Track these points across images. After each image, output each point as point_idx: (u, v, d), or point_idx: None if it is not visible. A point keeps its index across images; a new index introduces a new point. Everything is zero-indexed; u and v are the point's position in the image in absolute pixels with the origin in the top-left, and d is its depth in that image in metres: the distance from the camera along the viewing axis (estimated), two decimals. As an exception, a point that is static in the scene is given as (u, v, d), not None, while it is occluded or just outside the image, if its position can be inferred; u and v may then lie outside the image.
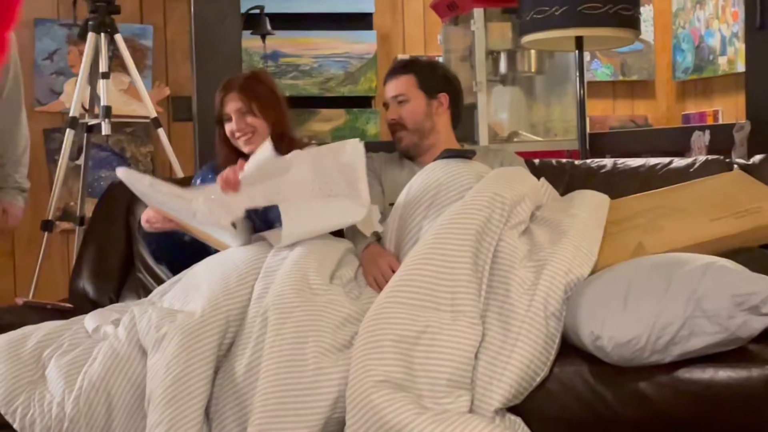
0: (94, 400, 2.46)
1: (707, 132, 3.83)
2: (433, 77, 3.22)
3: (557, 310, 2.42)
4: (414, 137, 3.18)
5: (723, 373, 2.28)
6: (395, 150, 3.29)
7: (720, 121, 5.55)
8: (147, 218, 2.92)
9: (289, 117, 3.12)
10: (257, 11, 5.12)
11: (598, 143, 4.43)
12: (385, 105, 3.26)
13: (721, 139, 3.75)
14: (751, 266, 2.41)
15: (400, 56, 5.72)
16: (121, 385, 2.49)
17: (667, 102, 6.18)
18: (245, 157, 2.93)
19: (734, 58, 5.44)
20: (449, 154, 2.93)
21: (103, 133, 4.05)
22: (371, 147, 3.44)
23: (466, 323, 2.40)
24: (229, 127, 3.04)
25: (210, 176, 3.12)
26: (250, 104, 3.01)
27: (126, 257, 3.41)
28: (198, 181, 3.17)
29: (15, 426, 2.47)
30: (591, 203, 2.83)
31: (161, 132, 4.18)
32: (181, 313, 2.55)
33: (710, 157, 3.32)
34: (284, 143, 2.97)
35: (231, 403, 2.40)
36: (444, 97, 3.21)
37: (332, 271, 2.64)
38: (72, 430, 2.44)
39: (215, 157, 3.26)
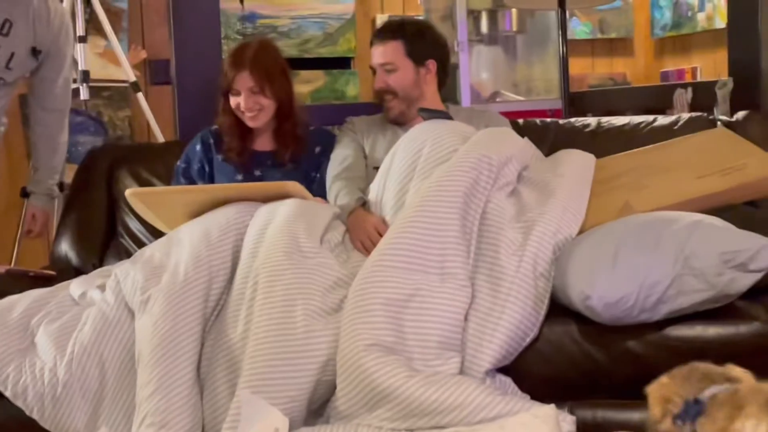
0: (87, 363, 2.47)
1: (689, 89, 3.82)
2: (421, 43, 3.17)
3: (546, 270, 2.43)
4: (402, 105, 3.15)
5: (712, 330, 2.30)
6: (376, 112, 3.27)
7: (698, 78, 5.55)
8: None
9: (294, 92, 3.12)
10: (234, -28, 5.07)
11: (579, 102, 4.42)
12: (372, 69, 3.22)
13: (703, 96, 3.75)
14: (736, 223, 2.42)
15: (379, 16, 5.68)
16: (112, 347, 2.50)
17: (645, 59, 6.18)
18: (248, 129, 3.07)
19: (712, 15, 5.43)
20: (425, 114, 2.94)
21: (82, 98, 4.01)
22: (352, 110, 3.42)
23: (455, 285, 2.40)
24: (236, 101, 3.04)
25: (211, 141, 3.12)
26: (262, 85, 3.00)
27: (108, 223, 3.39)
28: (198, 147, 3.16)
29: (7, 394, 2.47)
30: (577, 163, 2.83)
31: (140, 96, 4.13)
32: (165, 272, 2.55)
33: (694, 114, 3.32)
34: (289, 121, 3.07)
35: (223, 365, 2.40)
36: (432, 64, 3.18)
37: (321, 235, 2.64)
38: (65, 395, 2.45)
39: (196, 120, 3.24)
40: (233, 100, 3.04)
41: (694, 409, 1.78)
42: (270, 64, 3.05)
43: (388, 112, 3.18)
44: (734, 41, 3.77)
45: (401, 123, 3.17)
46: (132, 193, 2.87)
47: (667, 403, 1.84)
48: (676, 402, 1.83)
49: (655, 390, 1.89)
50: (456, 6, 4.54)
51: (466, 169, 2.55)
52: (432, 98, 3.20)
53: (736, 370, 1.84)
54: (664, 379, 1.91)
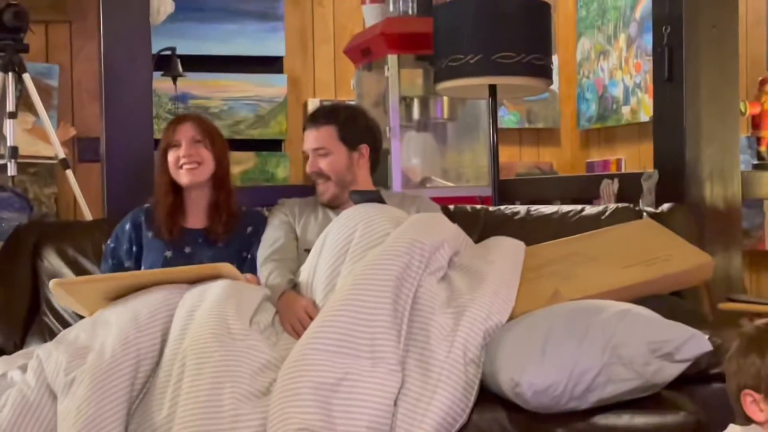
0: (5, 448, 2.39)
1: (616, 180, 3.89)
2: (354, 128, 3.19)
3: (476, 356, 2.43)
4: (336, 189, 3.15)
5: (639, 419, 2.32)
6: (307, 195, 3.27)
7: (623, 169, 5.67)
8: None
9: (230, 164, 3.14)
10: (168, 52, 5.07)
11: (507, 189, 4.47)
12: (305, 153, 3.23)
13: (629, 187, 3.82)
14: (663, 313, 2.46)
15: (311, 100, 5.73)
16: (32, 431, 2.41)
17: (571, 149, 6.30)
18: (181, 204, 3.06)
19: (637, 108, 5.57)
20: (357, 197, 2.97)
21: (10, 174, 3.96)
22: (282, 191, 3.41)
23: (385, 370, 2.39)
24: (175, 154, 3.03)
25: (141, 219, 3.08)
26: (204, 136, 3.05)
27: (32, 301, 3.32)
28: (127, 226, 3.12)
29: None
30: (507, 250, 2.85)
31: (69, 173, 4.09)
32: (90, 352, 2.50)
33: (620, 205, 3.38)
34: (224, 191, 3.07)
35: (148, 449, 2.35)
36: (365, 149, 3.20)
37: (251, 316, 2.61)
38: (-19, 483, 2.37)
39: (124, 198, 3.22)
40: (172, 155, 3.04)
41: None
42: (211, 126, 3.12)
43: (320, 195, 3.19)
44: (659, 134, 3.86)
45: (333, 206, 3.18)
46: (57, 283, 2.81)
47: None
48: None
49: None
50: (388, 92, 4.60)
51: (399, 253, 2.56)
52: (364, 182, 3.22)
53: None
54: None
